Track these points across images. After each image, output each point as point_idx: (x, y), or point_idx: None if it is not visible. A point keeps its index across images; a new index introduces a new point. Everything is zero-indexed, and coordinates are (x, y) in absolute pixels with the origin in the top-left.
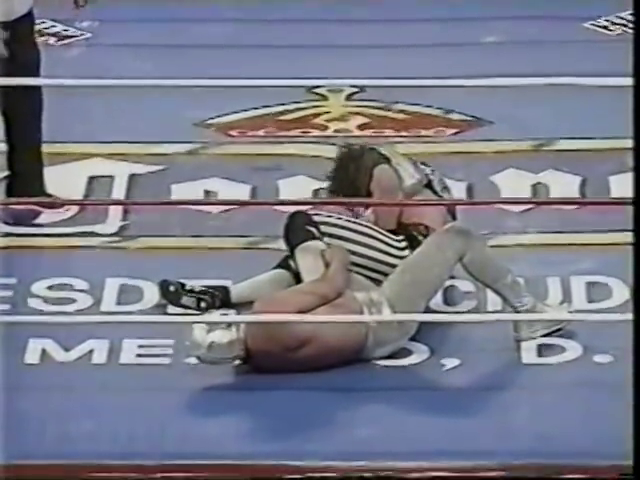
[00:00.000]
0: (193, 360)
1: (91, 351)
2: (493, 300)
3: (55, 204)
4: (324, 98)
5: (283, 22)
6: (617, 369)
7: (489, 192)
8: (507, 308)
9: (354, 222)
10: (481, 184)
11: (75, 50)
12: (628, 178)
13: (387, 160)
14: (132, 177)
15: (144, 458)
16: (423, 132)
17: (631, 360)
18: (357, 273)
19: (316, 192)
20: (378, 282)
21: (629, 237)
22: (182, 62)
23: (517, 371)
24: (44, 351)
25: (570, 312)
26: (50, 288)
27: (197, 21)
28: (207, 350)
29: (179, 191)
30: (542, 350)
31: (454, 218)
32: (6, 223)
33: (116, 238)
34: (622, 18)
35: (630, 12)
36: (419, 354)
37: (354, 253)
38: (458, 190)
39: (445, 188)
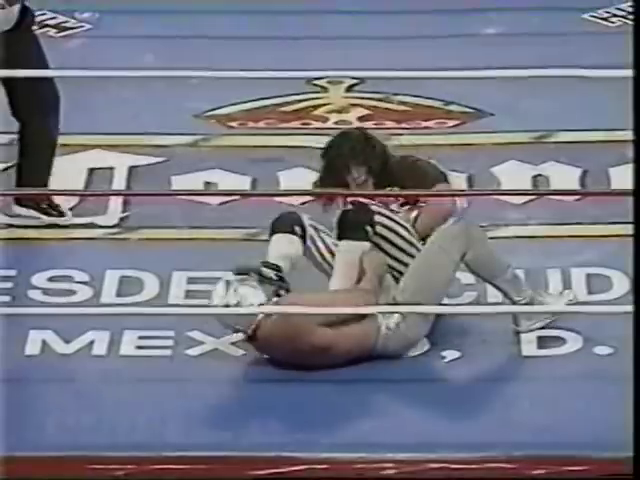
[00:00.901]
0: (193, 352)
1: (91, 342)
2: (493, 292)
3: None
4: (324, 90)
5: (282, 14)
6: (617, 361)
7: (490, 184)
8: (507, 300)
9: (403, 226)
10: (482, 176)
11: (75, 41)
12: (628, 170)
13: (445, 178)
14: (132, 169)
15: (144, 450)
16: (424, 124)
17: (631, 352)
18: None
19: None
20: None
21: (630, 229)
22: (182, 54)
23: (517, 363)
24: (44, 342)
25: (570, 302)
26: (50, 280)
27: (198, 12)
28: (222, 309)
29: (179, 183)
30: (542, 342)
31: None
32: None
33: (116, 230)
34: (622, 10)
35: (630, 4)
36: (419, 346)
37: (395, 258)
38: (459, 182)
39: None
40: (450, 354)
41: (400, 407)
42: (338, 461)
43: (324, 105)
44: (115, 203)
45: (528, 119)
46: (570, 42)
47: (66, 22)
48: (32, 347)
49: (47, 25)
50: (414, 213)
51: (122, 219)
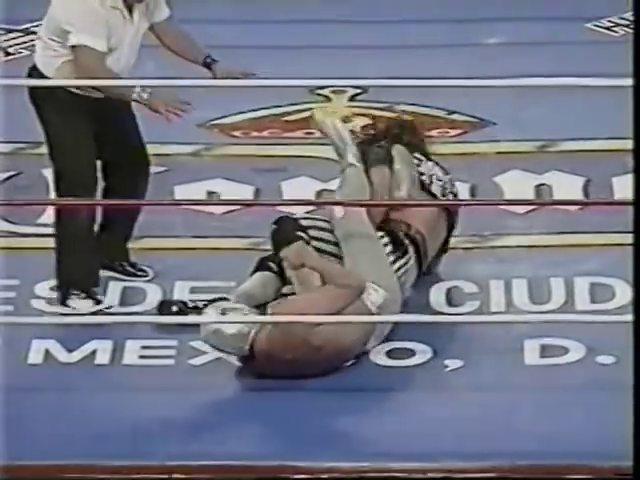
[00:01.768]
0: (196, 361)
1: (94, 352)
2: (496, 301)
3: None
4: (327, 99)
5: (285, 23)
6: (620, 370)
7: (492, 193)
8: (510, 309)
9: (324, 220)
10: (484, 185)
11: None
12: (631, 179)
13: (389, 161)
14: None
15: (147, 459)
16: (426, 133)
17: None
18: None
19: (319, 193)
20: None
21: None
22: (185, 62)
23: (520, 372)
24: (47, 352)
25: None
26: (53, 289)
27: (201, 22)
28: (212, 334)
29: (182, 192)
30: (545, 351)
31: (453, 223)
32: None
33: None
34: (625, 19)
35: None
36: (422, 355)
37: (338, 255)
38: (461, 191)
39: (451, 193)
40: (453, 363)
41: (403, 416)
42: (341, 470)
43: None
44: None
45: (531, 128)
46: (573, 51)
47: None
48: (35, 356)
49: None
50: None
51: None
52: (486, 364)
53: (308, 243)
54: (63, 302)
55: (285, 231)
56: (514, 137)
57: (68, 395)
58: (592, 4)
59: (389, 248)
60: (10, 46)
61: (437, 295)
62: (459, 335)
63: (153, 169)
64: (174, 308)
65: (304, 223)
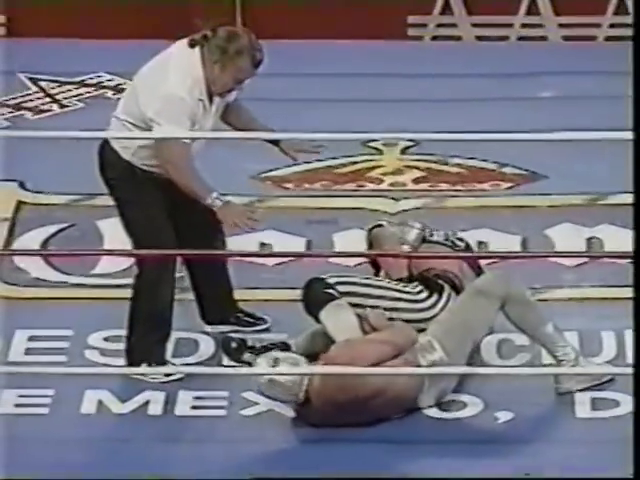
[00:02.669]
0: (248, 412)
1: (147, 402)
2: (547, 354)
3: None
4: (379, 152)
5: (338, 76)
6: None
7: (544, 246)
8: (560, 363)
9: (367, 277)
10: (536, 238)
11: None
12: None
13: (379, 224)
14: None
15: None
16: (478, 186)
17: None
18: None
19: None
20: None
21: None
22: None
23: (571, 424)
24: (100, 402)
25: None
26: (106, 340)
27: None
28: (266, 383)
29: (235, 243)
30: (596, 404)
31: (475, 269)
32: None
33: None
34: None
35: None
36: (473, 406)
37: (377, 306)
38: (512, 243)
39: (458, 239)
40: (504, 415)
41: (454, 467)
42: None
43: (379, 167)
44: None
45: (582, 181)
46: (622, 105)
47: (123, 84)
48: (88, 406)
49: (104, 87)
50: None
51: (178, 279)
52: (535, 416)
53: (339, 299)
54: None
55: (315, 293)
56: (565, 190)
57: (121, 446)
58: None
59: (424, 293)
60: (65, 98)
61: (488, 347)
62: (509, 387)
63: None
64: (233, 344)
65: (331, 281)
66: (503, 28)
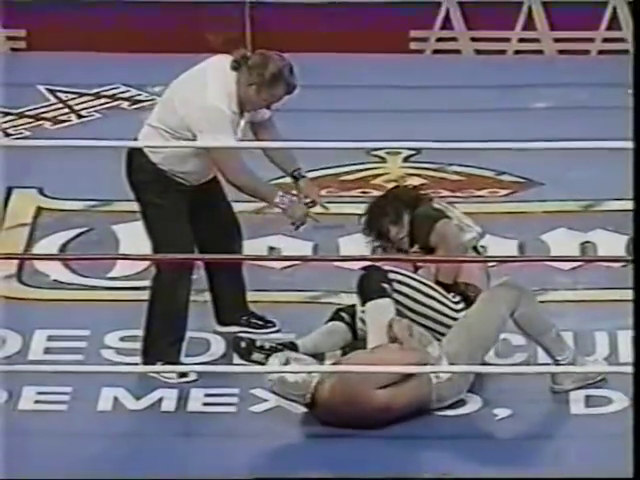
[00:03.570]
0: (257, 408)
1: (160, 399)
2: (543, 353)
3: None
4: (383, 160)
5: (344, 88)
6: None
7: (540, 250)
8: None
9: (420, 281)
10: (532, 243)
11: (147, 114)
12: None
13: (444, 214)
14: None
15: None
16: (476, 193)
17: None
18: (422, 326)
19: (374, 249)
20: (437, 337)
21: None
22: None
23: (566, 421)
24: (116, 399)
25: (614, 364)
26: (122, 339)
27: None
28: (275, 382)
29: (245, 247)
30: (590, 401)
31: (488, 276)
32: None
33: None
34: None
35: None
36: (473, 404)
37: (418, 312)
38: (510, 248)
39: (482, 247)
40: (502, 412)
41: (454, 463)
42: None
43: (382, 175)
44: None
45: (577, 189)
46: (615, 116)
47: (138, 95)
48: (104, 403)
49: (120, 98)
50: (432, 268)
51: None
52: (533, 413)
53: (390, 297)
54: (146, 364)
55: (372, 282)
56: (561, 197)
57: (135, 441)
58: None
59: (463, 311)
60: (83, 109)
61: None
62: (507, 386)
63: None
64: (243, 344)
65: (391, 276)
66: (501, 42)
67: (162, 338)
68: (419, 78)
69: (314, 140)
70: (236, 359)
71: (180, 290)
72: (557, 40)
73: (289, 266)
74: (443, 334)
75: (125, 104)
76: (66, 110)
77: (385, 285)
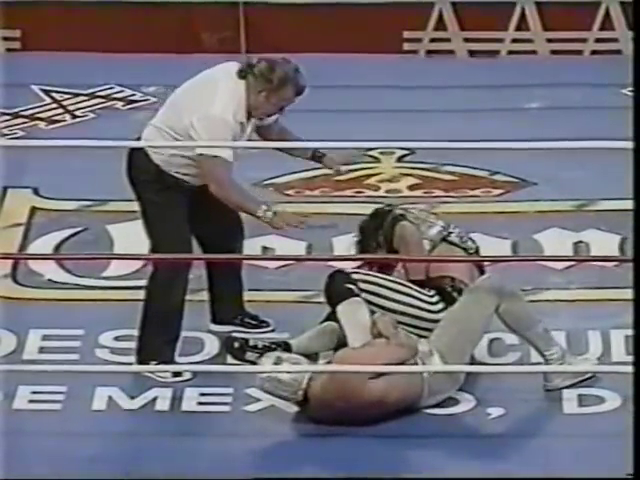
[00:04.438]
0: (251, 408)
1: (155, 399)
2: (536, 353)
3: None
4: (376, 160)
5: (338, 88)
6: None
7: (533, 249)
8: (548, 362)
9: (388, 279)
10: (525, 242)
11: (141, 114)
12: None
13: (403, 217)
14: None
15: None
16: (470, 192)
17: None
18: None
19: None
20: (415, 333)
21: None
22: None
23: (559, 420)
24: (110, 398)
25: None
26: (116, 339)
27: None
28: (267, 380)
29: None
30: (582, 400)
31: (481, 271)
32: None
33: None
34: None
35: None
36: (466, 403)
37: (390, 309)
38: (503, 247)
39: (469, 239)
40: (495, 411)
41: (446, 462)
42: None
43: (376, 174)
44: None
45: (569, 188)
46: (609, 116)
47: (133, 95)
48: (99, 402)
49: (114, 98)
50: (402, 269)
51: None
52: (525, 412)
53: (358, 296)
54: (141, 363)
55: (337, 286)
56: (554, 197)
57: (129, 440)
58: (626, 71)
59: (440, 304)
60: (77, 109)
61: (479, 346)
62: (500, 385)
63: None
64: (236, 344)
65: (355, 277)
66: (494, 43)
67: (157, 337)
68: (412, 78)
69: (307, 140)
70: (230, 359)
71: (176, 289)
72: (550, 40)
73: (283, 266)
74: (423, 329)
75: (119, 104)
76: (60, 110)
77: (350, 286)
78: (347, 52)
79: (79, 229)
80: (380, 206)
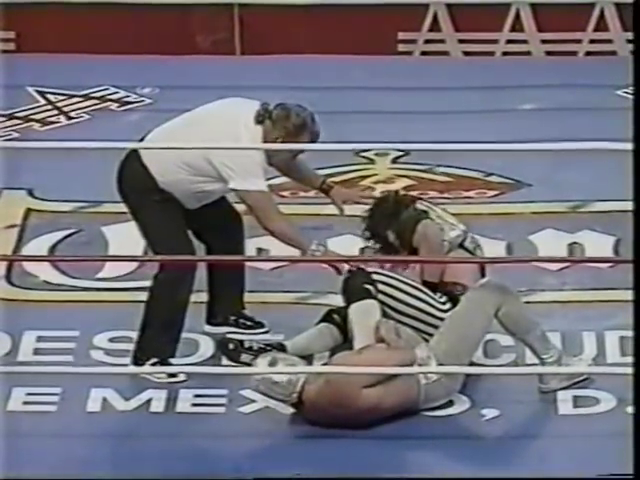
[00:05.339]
0: (246, 409)
1: (149, 400)
2: (531, 354)
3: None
4: (371, 161)
5: (332, 89)
6: None
7: (527, 251)
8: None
9: (405, 282)
10: (520, 243)
11: (136, 115)
12: None
13: (427, 215)
14: None
15: None
16: (465, 194)
17: None
18: (408, 327)
19: (362, 250)
20: (424, 337)
21: None
22: None
23: (554, 421)
24: (105, 400)
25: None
26: (111, 340)
27: (249, 89)
28: (261, 382)
29: None
30: (577, 401)
31: (483, 274)
32: None
33: None
34: None
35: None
36: (460, 404)
37: (403, 312)
38: (498, 249)
39: (478, 247)
40: (490, 412)
41: (441, 463)
42: None
43: (371, 176)
44: None
45: (564, 190)
46: (603, 117)
47: (127, 97)
48: (93, 404)
49: (109, 99)
50: (418, 268)
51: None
52: (520, 413)
53: (375, 298)
54: (137, 364)
55: (356, 284)
56: (548, 198)
57: (124, 441)
58: (621, 72)
59: (450, 311)
60: (72, 110)
61: None
62: (495, 386)
63: None
64: (231, 346)
65: (375, 277)
66: (489, 44)
67: (158, 337)
68: (407, 80)
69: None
70: (225, 360)
71: (181, 291)
72: (544, 42)
73: (278, 267)
74: (431, 334)
75: (114, 105)
76: (55, 112)
77: (369, 286)
78: (341, 53)
79: (74, 230)
80: (387, 194)
